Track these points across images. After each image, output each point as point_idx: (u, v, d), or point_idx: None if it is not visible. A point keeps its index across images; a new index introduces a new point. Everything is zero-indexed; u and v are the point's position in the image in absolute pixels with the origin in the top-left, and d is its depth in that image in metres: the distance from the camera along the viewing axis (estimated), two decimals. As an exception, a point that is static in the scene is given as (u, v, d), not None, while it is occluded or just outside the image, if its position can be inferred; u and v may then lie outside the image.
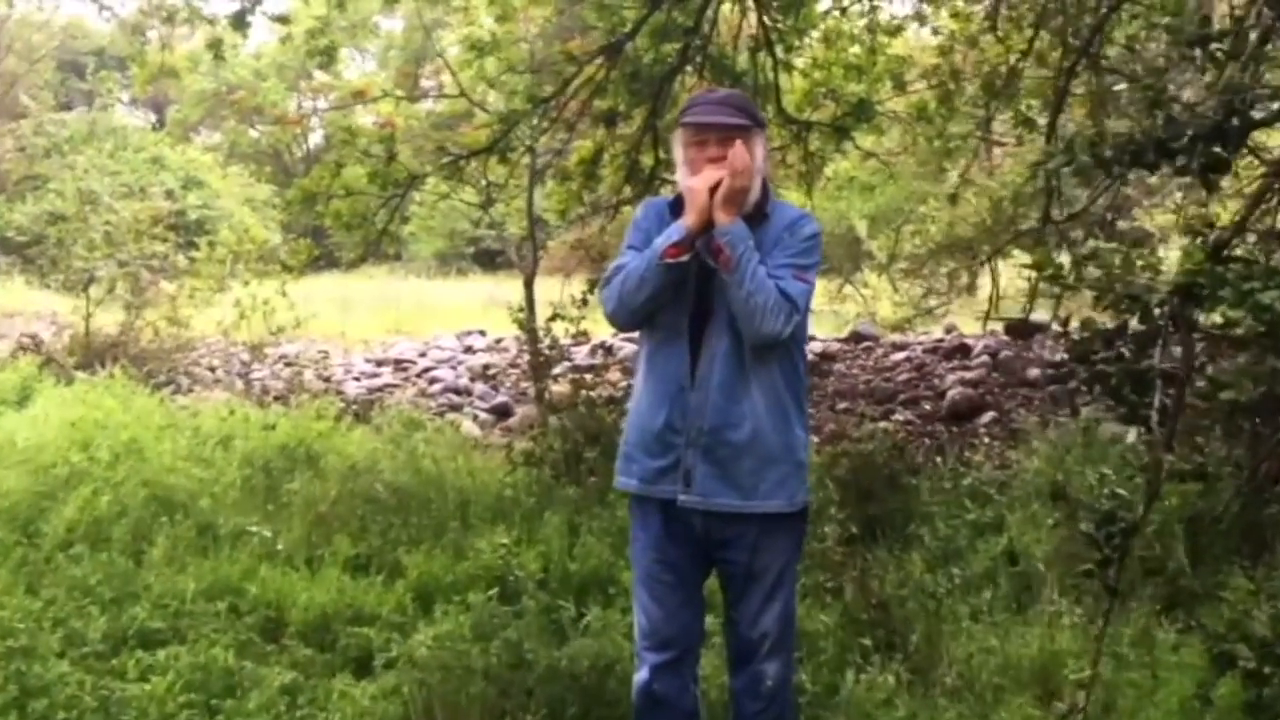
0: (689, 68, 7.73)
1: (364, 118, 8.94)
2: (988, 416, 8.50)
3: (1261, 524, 4.63)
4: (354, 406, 9.78)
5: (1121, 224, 11.79)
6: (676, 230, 3.23)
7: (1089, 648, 4.49)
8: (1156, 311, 2.85)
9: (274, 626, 4.73)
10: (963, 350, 10.82)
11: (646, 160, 8.21)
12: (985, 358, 10.34)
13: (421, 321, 17.95)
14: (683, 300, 3.27)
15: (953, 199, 10.30)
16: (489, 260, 35.92)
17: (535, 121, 7.25)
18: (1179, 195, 10.67)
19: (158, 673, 4.01)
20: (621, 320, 3.36)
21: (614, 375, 8.08)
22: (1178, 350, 2.89)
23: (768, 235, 3.27)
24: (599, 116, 8.29)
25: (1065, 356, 8.93)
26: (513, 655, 3.71)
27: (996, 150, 12.72)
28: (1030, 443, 7.05)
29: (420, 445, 8.11)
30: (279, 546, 5.45)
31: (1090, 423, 7.40)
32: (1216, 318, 2.98)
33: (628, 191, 8.40)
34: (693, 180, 3.26)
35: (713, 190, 3.21)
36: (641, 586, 3.38)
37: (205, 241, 13.13)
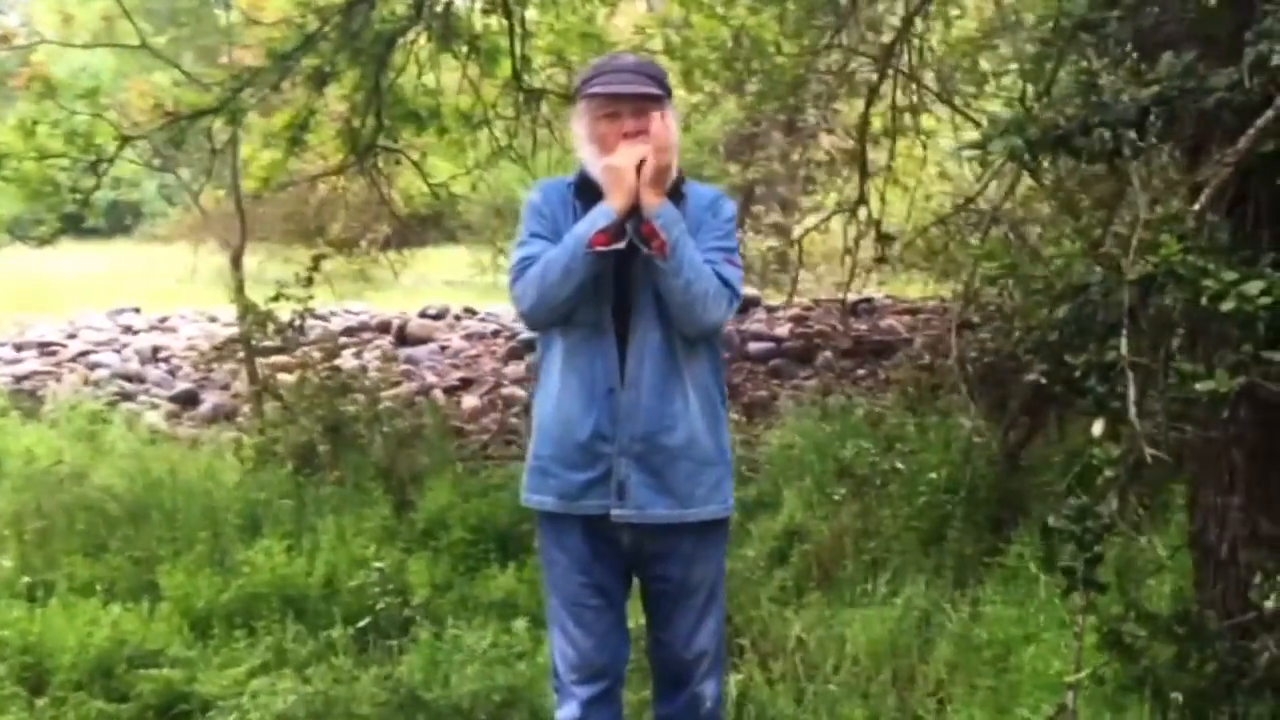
0: (420, 27, 7.19)
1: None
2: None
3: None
4: (11, 398, 8.50)
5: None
6: (603, 215, 2.87)
7: (931, 629, 4.57)
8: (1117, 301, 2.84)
9: (34, 675, 3.94)
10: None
11: (367, 126, 7.59)
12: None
13: (40, 298, 15.85)
14: (603, 291, 2.93)
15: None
16: (74, 226, 32.67)
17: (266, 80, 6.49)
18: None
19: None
20: (541, 317, 2.95)
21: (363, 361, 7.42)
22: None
23: (687, 216, 2.98)
24: (309, 76, 7.56)
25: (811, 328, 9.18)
26: (400, 694, 3.22)
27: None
28: (779, 417, 7.16)
29: (117, 443, 7.19)
30: (25, 578, 4.55)
31: (822, 395, 7.65)
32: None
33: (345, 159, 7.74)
34: (615, 159, 2.90)
35: (636, 169, 2.89)
36: (566, 614, 3.02)
37: None
